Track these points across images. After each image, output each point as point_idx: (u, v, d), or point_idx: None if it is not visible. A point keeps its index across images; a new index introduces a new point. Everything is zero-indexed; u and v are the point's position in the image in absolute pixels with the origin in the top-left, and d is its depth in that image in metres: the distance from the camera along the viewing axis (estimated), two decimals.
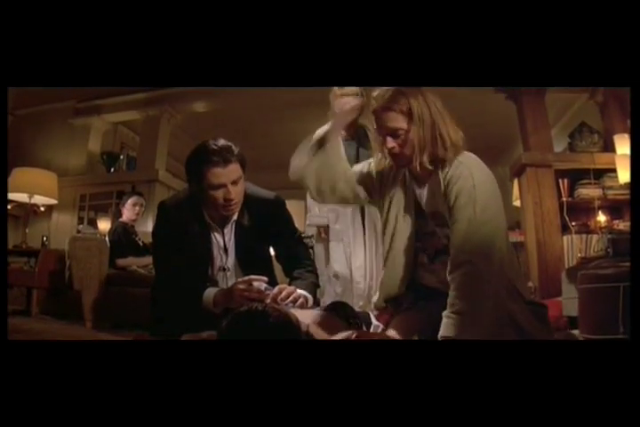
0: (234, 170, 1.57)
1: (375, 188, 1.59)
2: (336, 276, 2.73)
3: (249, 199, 1.69)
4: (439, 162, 1.42)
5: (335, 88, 2.70)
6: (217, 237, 1.71)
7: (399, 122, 1.39)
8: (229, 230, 1.72)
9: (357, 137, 2.81)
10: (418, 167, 1.40)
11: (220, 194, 1.57)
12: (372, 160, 1.63)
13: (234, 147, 1.59)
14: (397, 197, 1.54)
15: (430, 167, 1.40)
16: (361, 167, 1.63)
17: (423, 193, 1.50)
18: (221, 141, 1.59)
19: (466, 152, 1.46)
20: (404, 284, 1.54)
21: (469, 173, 1.38)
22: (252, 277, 1.56)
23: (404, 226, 1.52)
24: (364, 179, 1.59)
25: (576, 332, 1.99)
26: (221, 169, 1.54)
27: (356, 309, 1.90)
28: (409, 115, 1.38)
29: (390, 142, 1.41)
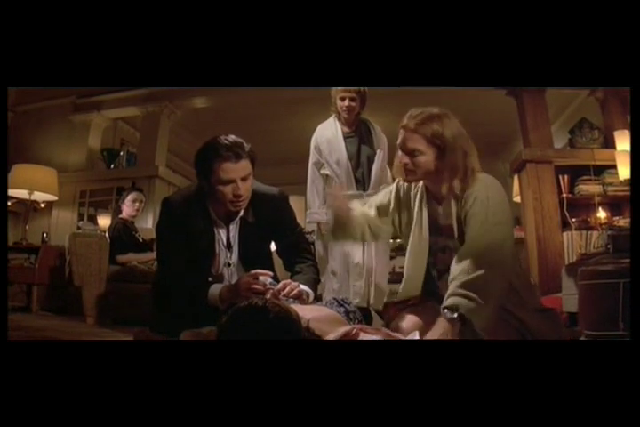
0: (244, 166, 1.58)
1: (392, 207, 1.69)
2: (333, 273, 2.73)
3: (253, 196, 1.68)
4: (455, 184, 1.50)
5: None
6: (221, 234, 1.71)
7: (419, 144, 1.47)
8: (234, 227, 1.72)
9: (359, 133, 2.80)
10: (445, 190, 1.50)
11: (228, 189, 1.58)
12: (391, 188, 1.73)
13: (245, 144, 1.59)
14: (417, 214, 1.61)
15: (459, 193, 1.50)
16: (382, 197, 1.73)
17: (440, 209, 1.58)
18: (232, 137, 1.59)
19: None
20: (420, 290, 1.62)
21: (485, 187, 1.50)
22: (259, 271, 1.56)
23: (421, 241, 1.59)
24: (384, 207, 1.71)
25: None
26: (232, 164, 1.55)
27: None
28: (431, 140, 1.46)
29: (404, 158, 1.50)
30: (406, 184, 1.66)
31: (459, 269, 1.41)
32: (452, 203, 1.52)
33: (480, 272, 1.36)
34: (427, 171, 1.49)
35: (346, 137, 2.77)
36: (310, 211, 2.84)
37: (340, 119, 2.79)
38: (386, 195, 1.71)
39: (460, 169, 1.46)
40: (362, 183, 2.73)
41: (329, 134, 2.78)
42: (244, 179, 1.58)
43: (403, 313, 1.57)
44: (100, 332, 2.83)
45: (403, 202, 1.66)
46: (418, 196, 1.61)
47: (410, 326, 1.49)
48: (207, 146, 1.60)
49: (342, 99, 2.70)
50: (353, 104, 2.70)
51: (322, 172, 2.81)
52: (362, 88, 2.68)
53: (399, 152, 1.54)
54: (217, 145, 1.56)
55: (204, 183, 1.62)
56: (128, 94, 5.03)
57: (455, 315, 1.33)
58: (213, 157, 1.55)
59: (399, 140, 1.53)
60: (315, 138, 2.85)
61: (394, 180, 1.71)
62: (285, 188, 1.90)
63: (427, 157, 1.47)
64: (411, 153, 1.48)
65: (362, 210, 1.71)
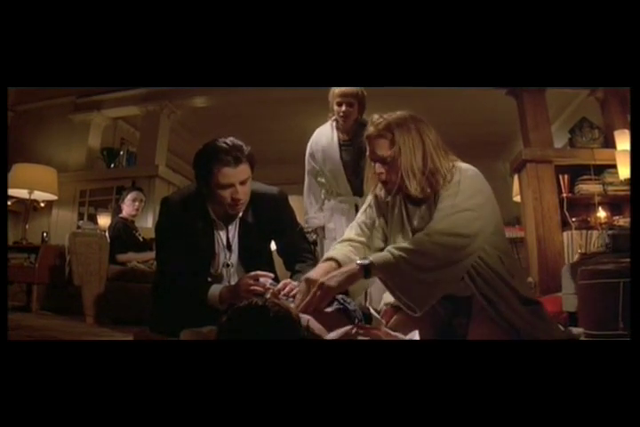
0: (243, 170, 1.56)
1: (377, 221, 1.64)
2: None
3: (253, 196, 1.67)
4: (433, 187, 1.47)
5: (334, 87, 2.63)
6: (221, 234, 1.71)
7: (386, 150, 1.44)
8: (234, 227, 1.71)
9: (357, 140, 2.66)
10: (411, 193, 1.45)
11: (227, 193, 1.56)
12: (369, 202, 1.67)
13: (244, 146, 1.57)
14: (397, 218, 1.57)
15: (420, 196, 1.46)
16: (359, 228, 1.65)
17: (420, 211, 1.53)
18: (232, 140, 1.57)
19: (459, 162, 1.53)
20: None
21: (458, 172, 1.46)
22: (259, 272, 1.55)
23: None
24: (369, 224, 1.64)
25: (576, 329, 1.99)
26: (231, 169, 1.53)
27: None
28: (397, 142, 1.43)
29: (379, 168, 1.47)
30: (383, 194, 1.61)
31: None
32: (433, 203, 1.47)
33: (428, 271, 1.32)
34: (405, 176, 1.44)
35: (342, 145, 2.66)
36: (308, 216, 2.81)
37: (337, 126, 2.68)
38: (365, 211, 1.66)
39: (424, 168, 1.42)
40: (358, 192, 2.65)
41: (324, 142, 2.68)
42: (242, 183, 1.57)
43: (402, 313, 1.57)
44: (100, 332, 2.84)
45: (385, 211, 1.62)
46: (397, 202, 1.57)
47: (410, 326, 1.48)
48: (206, 149, 1.58)
49: (339, 104, 2.57)
50: (350, 109, 2.56)
51: (318, 180, 2.76)
52: (360, 92, 2.57)
53: (372, 164, 1.50)
54: (216, 149, 1.54)
55: (203, 186, 1.61)
56: (128, 94, 5.03)
57: (366, 262, 1.33)
58: (212, 161, 1.53)
59: (368, 152, 1.50)
60: (310, 145, 2.76)
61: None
62: (285, 187, 1.90)
63: (398, 162, 1.43)
64: (382, 160, 1.45)
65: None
